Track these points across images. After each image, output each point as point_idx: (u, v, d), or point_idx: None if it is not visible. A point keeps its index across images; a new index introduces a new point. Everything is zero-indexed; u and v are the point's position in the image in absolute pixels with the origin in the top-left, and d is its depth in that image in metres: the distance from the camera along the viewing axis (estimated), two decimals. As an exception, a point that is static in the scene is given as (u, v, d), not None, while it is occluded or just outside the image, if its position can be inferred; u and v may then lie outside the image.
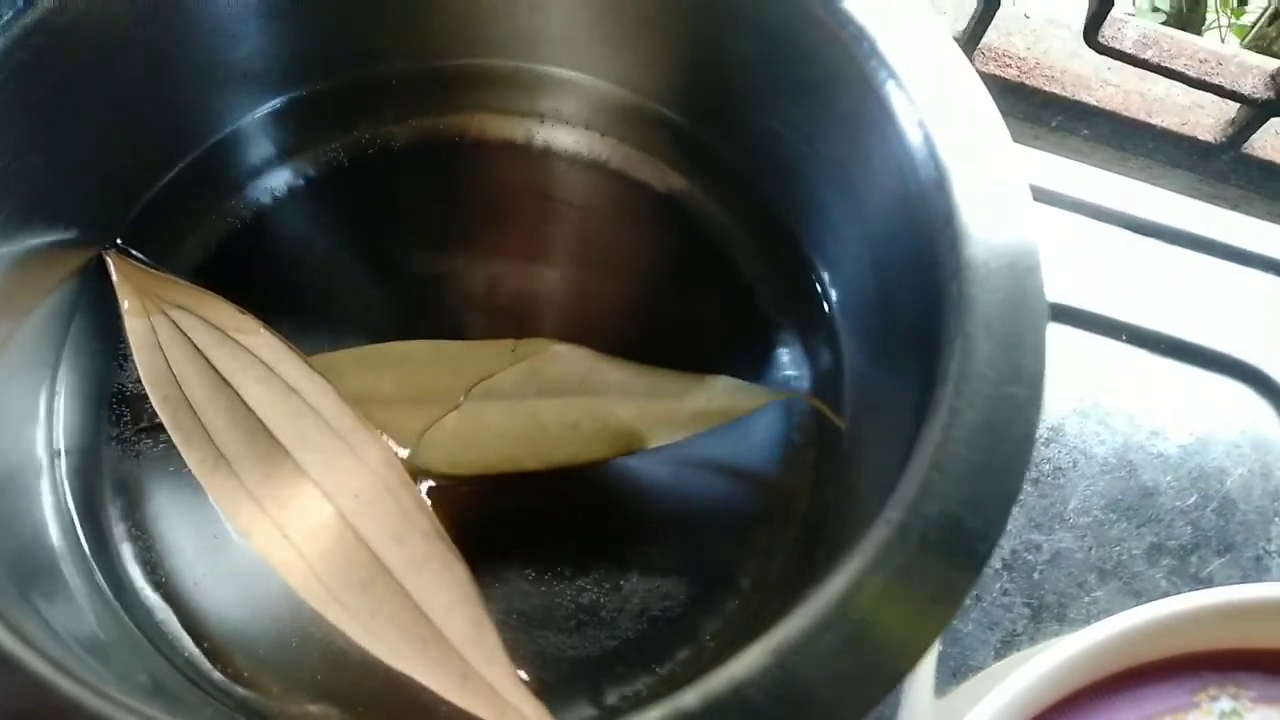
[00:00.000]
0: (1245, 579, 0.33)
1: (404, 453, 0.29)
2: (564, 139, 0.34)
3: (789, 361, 0.31)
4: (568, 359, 0.30)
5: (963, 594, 0.19)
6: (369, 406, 0.29)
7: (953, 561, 0.19)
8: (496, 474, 0.28)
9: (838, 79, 0.25)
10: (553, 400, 0.29)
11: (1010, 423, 0.20)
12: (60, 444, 0.28)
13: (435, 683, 0.25)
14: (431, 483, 0.29)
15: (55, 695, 0.19)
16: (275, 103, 0.32)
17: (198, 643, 0.27)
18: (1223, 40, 0.90)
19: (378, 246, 0.32)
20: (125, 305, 0.29)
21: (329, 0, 0.30)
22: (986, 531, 0.19)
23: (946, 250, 0.22)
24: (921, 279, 0.23)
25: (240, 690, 0.26)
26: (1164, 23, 0.83)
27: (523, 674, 0.26)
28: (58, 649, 0.20)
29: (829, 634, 0.19)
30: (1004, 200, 0.23)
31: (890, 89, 0.24)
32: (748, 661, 0.19)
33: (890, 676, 0.18)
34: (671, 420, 0.29)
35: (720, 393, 0.29)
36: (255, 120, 0.32)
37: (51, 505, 0.27)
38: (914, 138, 0.23)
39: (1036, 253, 0.22)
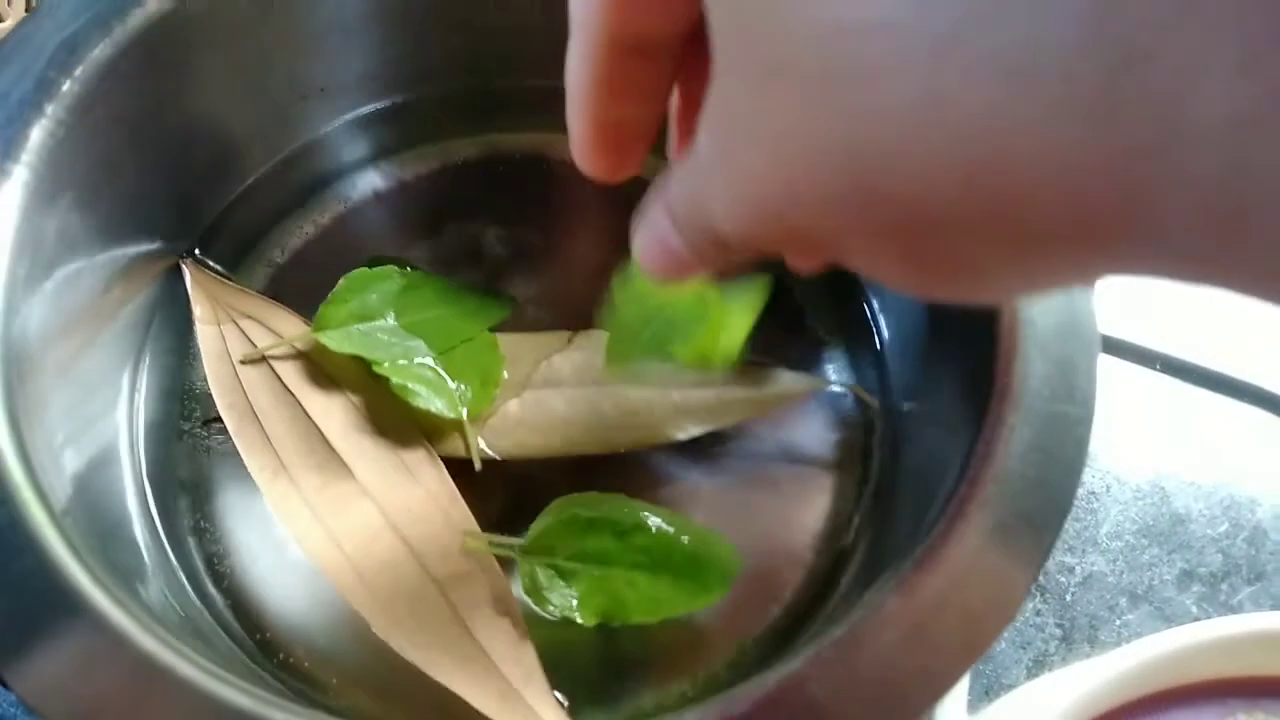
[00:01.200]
0: (1275, 607, 0.34)
1: (472, 435, 0.29)
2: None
3: (835, 377, 0.32)
4: None
5: (1018, 603, 0.20)
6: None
7: (1007, 572, 0.20)
8: (553, 459, 0.29)
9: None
10: (611, 387, 0.30)
11: (1063, 440, 0.21)
12: (140, 437, 0.30)
13: (474, 698, 0.26)
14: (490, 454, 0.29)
15: (167, 676, 0.20)
16: (351, 115, 0.34)
17: (260, 632, 0.28)
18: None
19: (443, 256, 0.33)
20: (197, 313, 0.30)
21: (411, 20, 0.32)
22: (1039, 542, 0.20)
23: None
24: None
25: (298, 679, 0.27)
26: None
27: (559, 696, 0.27)
28: (159, 627, 0.21)
29: (889, 633, 0.19)
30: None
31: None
32: (809, 655, 0.19)
33: (947, 677, 0.19)
34: (724, 407, 0.30)
35: (770, 381, 0.30)
36: (330, 132, 0.34)
37: (134, 494, 0.29)
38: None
39: (1089, 279, 0.23)
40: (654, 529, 0.27)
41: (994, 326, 0.23)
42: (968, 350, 0.24)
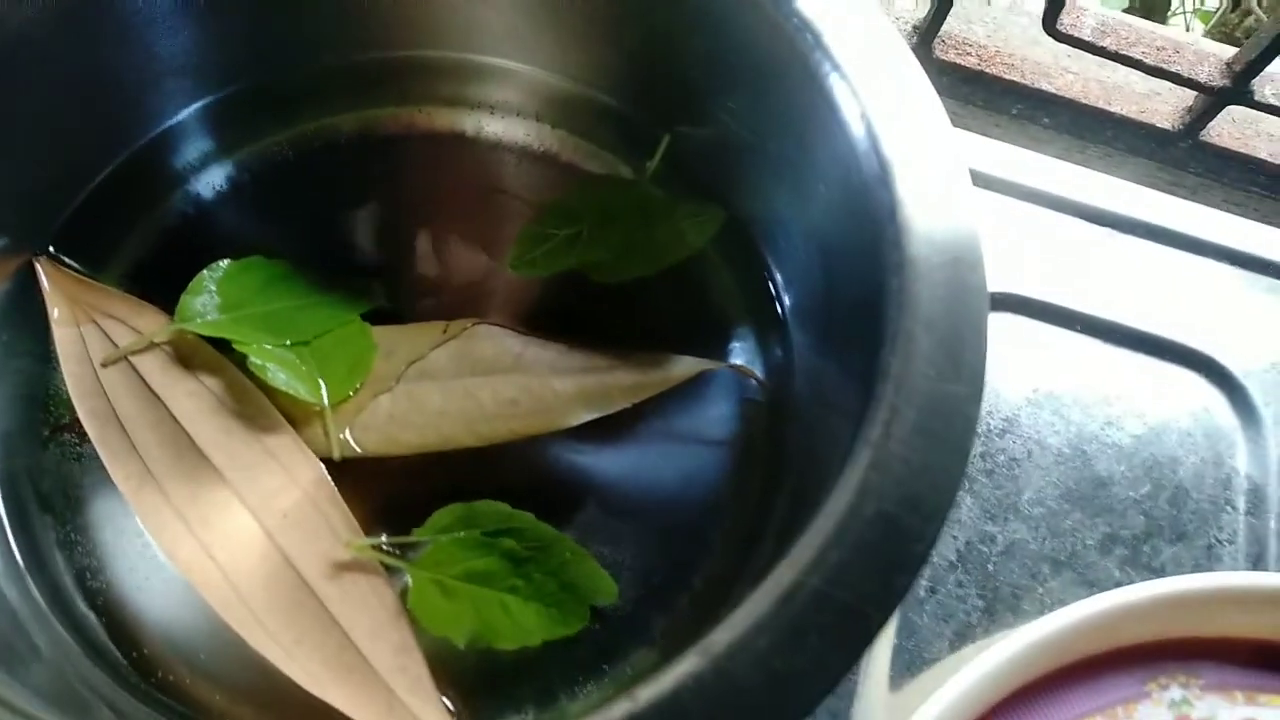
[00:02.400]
0: (1197, 568, 0.33)
1: (346, 434, 0.28)
2: (514, 130, 0.33)
3: (741, 354, 0.31)
4: (499, 338, 0.30)
5: (899, 595, 0.19)
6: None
7: (889, 563, 0.19)
8: (435, 452, 0.28)
9: (782, 71, 0.25)
10: (488, 378, 0.29)
11: (950, 421, 0.20)
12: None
13: (359, 712, 0.25)
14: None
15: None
16: (214, 97, 0.32)
17: (137, 649, 0.26)
18: (1188, 26, 0.90)
19: (323, 239, 0.32)
20: (54, 314, 0.28)
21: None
22: (924, 531, 0.19)
23: (890, 246, 0.22)
24: (865, 274, 0.23)
25: (178, 699, 0.26)
26: (1128, 8, 0.83)
27: (449, 703, 0.26)
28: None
29: (765, 637, 0.18)
30: (947, 196, 0.22)
31: (833, 82, 0.24)
32: (683, 667, 0.18)
33: (826, 679, 0.18)
34: (607, 392, 0.29)
35: (652, 364, 0.29)
36: (194, 115, 0.32)
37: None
38: (857, 131, 0.23)
39: (979, 248, 0.22)
40: (542, 554, 0.26)
41: (882, 303, 0.22)
42: (857, 327, 0.23)
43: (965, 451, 0.20)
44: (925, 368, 0.20)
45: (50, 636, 0.26)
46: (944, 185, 0.23)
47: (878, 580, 0.19)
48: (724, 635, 0.18)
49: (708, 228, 0.31)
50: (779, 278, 0.31)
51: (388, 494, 0.28)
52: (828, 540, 0.19)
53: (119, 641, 0.27)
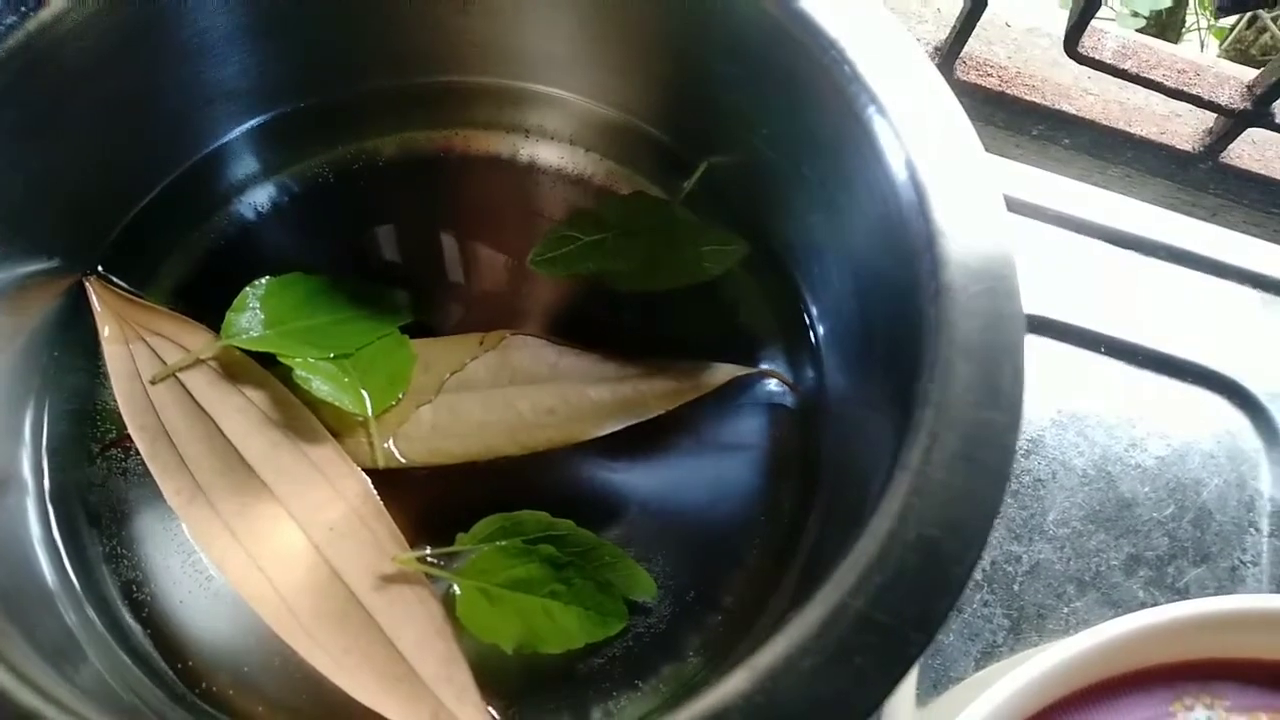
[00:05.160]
0: (1220, 589, 0.34)
1: (390, 444, 0.29)
2: (549, 154, 0.34)
3: (773, 380, 0.31)
4: (534, 348, 0.31)
5: (941, 618, 0.19)
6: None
7: (931, 586, 0.19)
8: (469, 462, 0.29)
9: (820, 102, 0.26)
10: (526, 387, 0.30)
11: (988, 448, 0.21)
12: (45, 462, 0.28)
13: None
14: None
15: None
16: (259, 120, 0.32)
17: (182, 661, 0.27)
18: (1202, 43, 0.90)
19: (360, 257, 0.32)
20: (105, 333, 0.29)
21: (315, 18, 0.30)
22: (964, 555, 0.20)
23: (927, 275, 0.22)
24: (902, 302, 0.23)
25: (222, 709, 0.27)
26: (1144, 28, 0.84)
27: (493, 712, 0.26)
28: (45, 677, 0.20)
29: (809, 659, 0.19)
30: (983, 225, 0.23)
31: (871, 113, 0.24)
32: (729, 686, 0.19)
33: (869, 700, 0.19)
34: (642, 399, 0.30)
35: (686, 372, 0.30)
36: (239, 138, 0.32)
37: (37, 523, 0.27)
38: (895, 161, 0.24)
39: (1015, 277, 0.22)
40: (582, 559, 0.26)
41: (919, 330, 0.22)
42: (895, 354, 0.24)
43: (1005, 477, 0.20)
44: (964, 395, 0.21)
45: (99, 646, 0.26)
46: (980, 213, 0.23)
47: (919, 603, 0.19)
48: (769, 655, 0.19)
49: (728, 259, 0.32)
50: (810, 299, 0.31)
51: (424, 504, 0.29)
52: (870, 563, 0.19)
53: (165, 653, 0.27)
